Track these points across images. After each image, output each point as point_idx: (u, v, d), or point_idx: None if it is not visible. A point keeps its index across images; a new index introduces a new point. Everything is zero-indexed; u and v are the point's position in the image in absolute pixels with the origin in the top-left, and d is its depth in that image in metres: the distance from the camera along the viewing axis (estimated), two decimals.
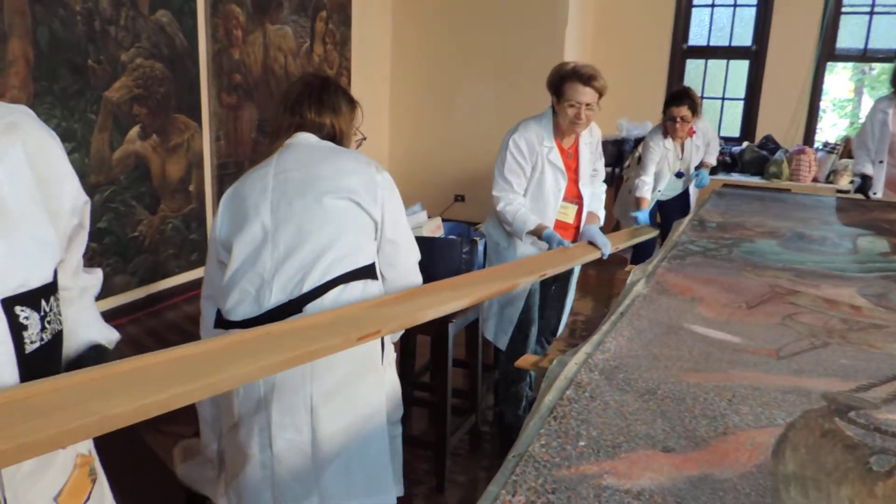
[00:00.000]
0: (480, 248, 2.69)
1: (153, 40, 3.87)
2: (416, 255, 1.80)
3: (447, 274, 2.17)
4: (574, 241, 2.81)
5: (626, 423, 1.09)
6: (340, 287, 1.59)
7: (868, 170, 4.07)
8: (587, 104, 2.60)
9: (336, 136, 1.78)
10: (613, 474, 0.96)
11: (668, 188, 4.37)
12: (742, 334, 1.55)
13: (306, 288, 1.56)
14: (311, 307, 1.55)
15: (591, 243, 2.75)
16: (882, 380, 1.31)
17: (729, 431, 1.09)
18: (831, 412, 1.16)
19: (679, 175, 4.33)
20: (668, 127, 4.12)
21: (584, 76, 2.59)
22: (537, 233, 2.65)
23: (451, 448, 2.49)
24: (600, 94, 2.65)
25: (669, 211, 4.35)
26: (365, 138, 1.92)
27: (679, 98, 4.04)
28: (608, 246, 2.75)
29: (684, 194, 4.44)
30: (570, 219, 2.78)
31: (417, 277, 1.79)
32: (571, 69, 2.62)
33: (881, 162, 4.06)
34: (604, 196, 2.99)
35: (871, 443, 1.06)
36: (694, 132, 4.14)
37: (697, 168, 4.35)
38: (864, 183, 4.04)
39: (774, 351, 1.45)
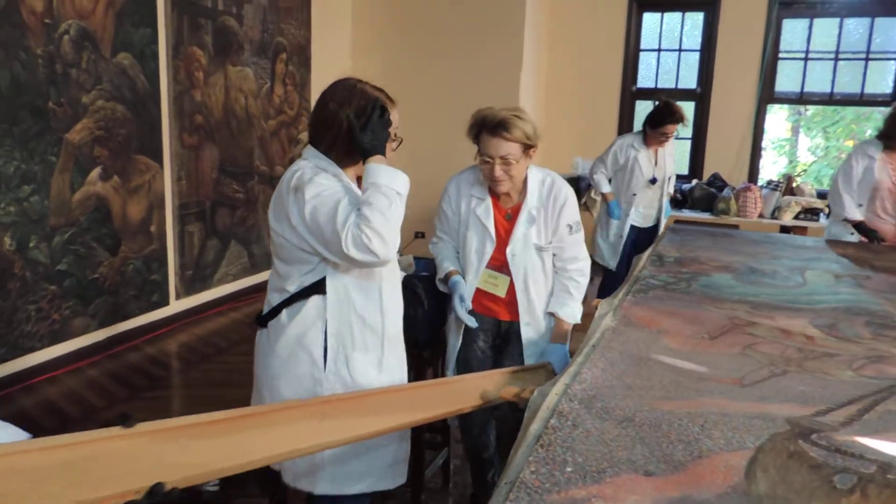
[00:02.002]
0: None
1: (115, 83, 3.88)
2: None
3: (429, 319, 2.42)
4: (506, 320, 2.40)
5: (608, 450, 1.15)
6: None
7: (858, 215, 3.88)
8: (502, 157, 2.17)
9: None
10: (601, 498, 1.01)
11: (646, 205, 4.63)
12: (707, 364, 1.63)
13: None
14: None
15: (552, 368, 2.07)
16: (838, 404, 1.41)
17: (703, 455, 1.16)
18: (795, 435, 1.24)
19: (653, 181, 4.55)
20: (652, 139, 4.46)
21: (491, 125, 2.16)
22: (446, 280, 2.37)
23: (426, 483, 2.51)
24: (524, 145, 2.18)
25: (643, 245, 4.54)
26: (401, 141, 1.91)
27: (676, 116, 4.40)
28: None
29: (654, 228, 4.66)
30: (501, 292, 2.35)
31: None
32: (480, 117, 2.20)
33: (860, 206, 3.91)
34: (581, 293, 2.38)
35: (833, 463, 1.14)
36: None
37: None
38: (861, 228, 3.85)
39: (738, 379, 1.54)
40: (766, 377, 1.56)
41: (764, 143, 6.70)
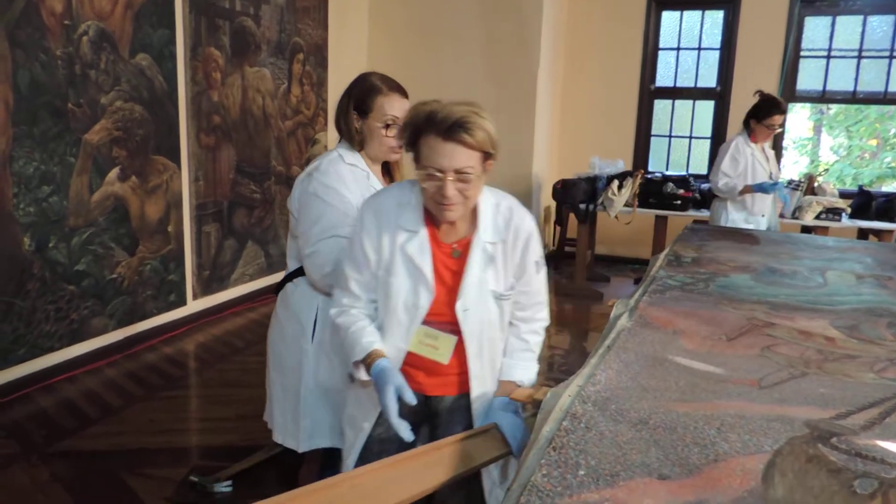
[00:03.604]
0: None
1: (133, 83, 3.91)
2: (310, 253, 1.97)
3: None
4: (436, 395, 1.76)
5: (621, 453, 1.13)
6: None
7: None
8: (458, 171, 1.53)
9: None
10: (614, 502, 1.00)
11: (766, 207, 4.43)
12: (724, 365, 1.60)
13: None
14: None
15: (499, 430, 1.63)
16: (859, 407, 1.37)
17: (720, 458, 1.13)
18: (814, 439, 1.21)
19: (770, 177, 4.40)
20: (760, 133, 4.28)
21: (443, 125, 1.52)
22: (367, 363, 1.67)
23: None
24: (485, 154, 1.58)
25: None
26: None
27: (782, 107, 4.19)
28: (525, 436, 1.61)
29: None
30: (443, 357, 1.69)
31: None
32: (423, 114, 1.55)
33: None
34: (538, 347, 1.83)
35: (853, 467, 1.11)
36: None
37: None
38: None
39: (756, 381, 1.51)
40: (784, 379, 1.53)
41: (785, 143, 6.61)
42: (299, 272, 2.11)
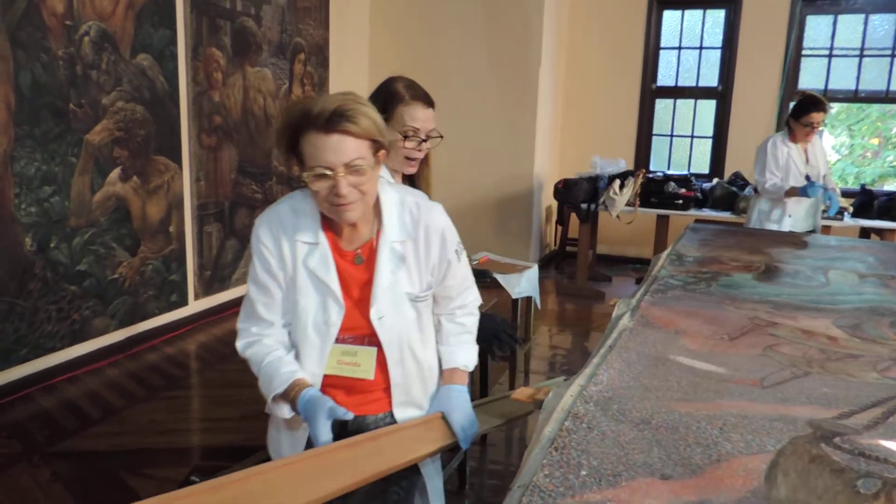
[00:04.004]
0: None
1: (134, 83, 3.91)
2: None
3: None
4: (359, 415, 1.57)
5: (624, 453, 1.13)
6: None
7: None
8: (348, 165, 1.41)
9: None
10: (616, 502, 0.99)
11: (803, 208, 4.34)
12: (726, 365, 1.60)
13: None
14: None
15: (445, 419, 1.58)
16: (862, 407, 1.37)
17: (722, 458, 1.13)
18: (817, 438, 1.20)
19: (807, 179, 4.28)
20: (799, 133, 4.20)
21: (322, 118, 1.39)
22: (289, 398, 1.51)
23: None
24: (375, 143, 1.47)
25: None
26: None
27: (821, 104, 4.09)
28: (473, 426, 1.59)
29: (811, 233, 4.34)
30: (368, 373, 1.56)
31: None
32: (299, 111, 1.42)
33: None
34: (474, 328, 1.75)
35: (856, 467, 1.11)
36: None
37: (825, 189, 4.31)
38: None
39: (758, 380, 1.51)
40: (787, 379, 1.53)
41: None
42: None
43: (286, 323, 1.59)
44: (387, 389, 1.59)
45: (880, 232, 5.44)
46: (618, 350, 1.63)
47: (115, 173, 3.86)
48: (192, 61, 4.34)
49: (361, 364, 1.56)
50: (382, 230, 1.54)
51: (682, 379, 1.48)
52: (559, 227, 6.85)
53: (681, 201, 5.77)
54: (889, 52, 6.17)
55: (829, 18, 6.28)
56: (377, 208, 1.55)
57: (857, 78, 6.28)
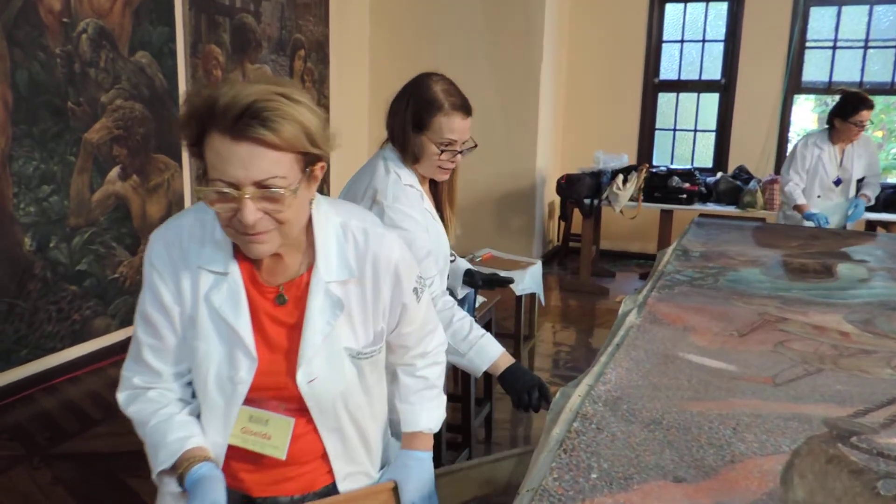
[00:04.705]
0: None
1: (133, 81, 3.88)
2: None
3: None
4: (268, 497, 1.28)
5: (635, 454, 1.10)
6: None
7: None
8: (259, 184, 1.05)
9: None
10: None
11: (828, 209, 4.22)
12: (737, 362, 1.56)
13: None
14: None
15: (396, 493, 1.30)
16: (878, 404, 1.33)
17: (736, 459, 1.10)
18: (834, 438, 1.17)
19: (837, 182, 4.20)
20: (844, 132, 4.05)
21: (228, 117, 1.02)
22: (178, 474, 1.19)
23: None
24: (303, 156, 1.09)
25: None
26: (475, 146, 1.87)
27: (871, 101, 3.98)
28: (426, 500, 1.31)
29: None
30: (280, 451, 1.20)
31: None
32: (203, 101, 1.04)
33: None
34: (441, 379, 1.46)
35: (875, 467, 1.08)
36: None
37: (857, 194, 4.23)
38: None
39: (770, 378, 1.47)
40: (799, 376, 1.49)
41: (792, 135, 6.56)
42: None
43: (181, 372, 1.24)
44: (307, 465, 1.26)
45: (886, 224, 5.40)
46: (625, 348, 1.59)
47: (115, 172, 3.82)
48: (192, 58, 4.30)
49: (273, 437, 1.20)
50: (316, 267, 1.18)
51: (693, 377, 1.45)
52: (562, 223, 6.82)
53: (685, 196, 5.74)
54: (894, 44, 6.12)
55: (833, 9, 6.22)
56: (310, 235, 1.19)
57: (862, 70, 6.23)
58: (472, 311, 2.63)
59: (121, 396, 1.26)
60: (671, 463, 1.08)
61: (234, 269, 1.18)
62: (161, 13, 4.01)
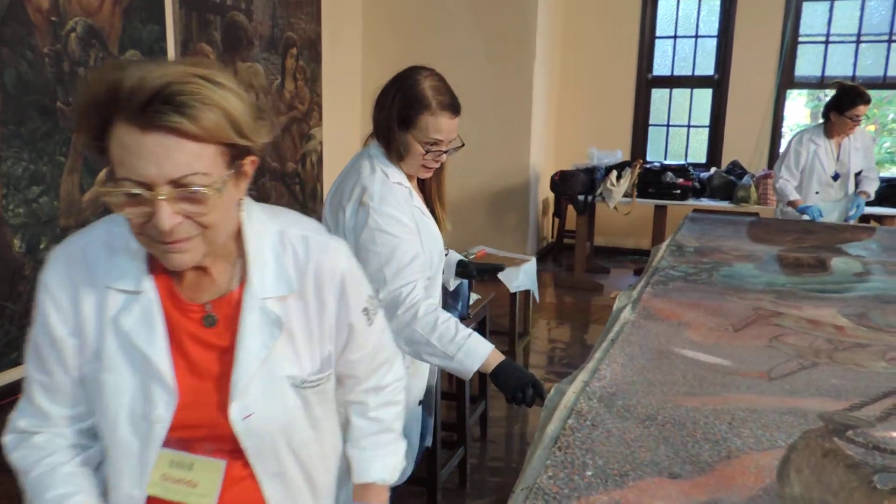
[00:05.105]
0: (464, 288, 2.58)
1: None
2: None
3: None
4: None
5: (630, 451, 1.09)
6: None
7: None
8: (175, 182, 0.89)
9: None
10: (624, 503, 0.95)
11: (827, 209, 4.15)
12: (732, 357, 1.56)
13: None
14: None
15: None
16: (873, 398, 1.33)
17: (732, 455, 1.09)
18: (829, 432, 1.16)
19: (836, 177, 4.14)
20: (839, 126, 3.99)
21: (135, 104, 0.86)
22: None
23: (441, 483, 2.45)
24: (229, 148, 0.93)
25: None
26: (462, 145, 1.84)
27: (868, 95, 3.93)
28: None
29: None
30: (209, 497, 1.03)
31: None
32: (107, 85, 0.87)
33: None
34: (399, 421, 1.27)
35: (871, 461, 1.07)
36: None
37: (856, 192, 4.17)
38: None
39: (765, 372, 1.46)
40: (795, 370, 1.49)
41: (785, 130, 6.57)
42: None
43: (78, 416, 1.06)
44: None
45: (880, 218, 5.40)
46: (620, 344, 1.59)
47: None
48: (182, 57, 4.27)
49: (199, 484, 1.02)
50: (249, 281, 1.01)
51: (688, 372, 1.44)
52: (556, 220, 6.81)
53: (678, 191, 5.73)
54: (886, 38, 6.13)
55: (825, 4, 6.22)
56: (240, 244, 1.03)
57: (854, 64, 6.24)
58: (465, 307, 2.62)
59: (5, 440, 1.09)
60: (666, 459, 1.07)
61: (149, 286, 0.99)
62: (151, 11, 3.98)
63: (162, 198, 0.87)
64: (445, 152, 1.77)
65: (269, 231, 1.04)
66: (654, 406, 1.25)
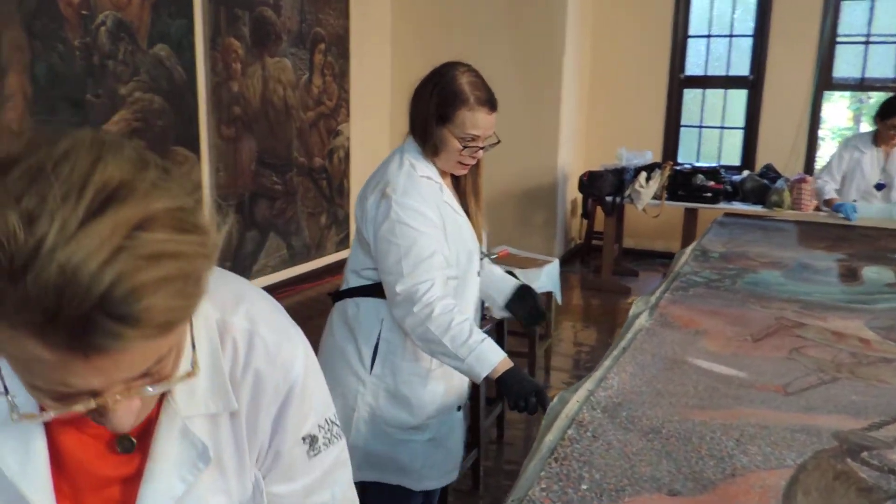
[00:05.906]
0: None
1: (152, 74, 3.88)
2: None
3: None
4: None
5: (629, 465, 1.05)
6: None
7: None
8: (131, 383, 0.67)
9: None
10: None
11: (870, 213, 4.01)
12: (748, 369, 1.50)
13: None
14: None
15: None
16: (894, 417, 1.27)
17: (737, 473, 1.05)
18: (843, 452, 1.11)
19: (879, 187, 4.06)
20: (884, 135, 3.92)
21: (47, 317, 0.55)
22: None
23: (454, 485, 2.43)
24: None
25: None
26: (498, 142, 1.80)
27: None
28: None
29: None
30: None
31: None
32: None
33: None
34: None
35: (886, 486, 1.02)
36: None
37: None
38: None
39: (782, 386, 1.41)
40: (813, 385, 1.43)
41: (823, 133, 6.40)
42: (359, 291, 1.82)
43: None
44: None
45: None
46: (631, 352, 1.54)
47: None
48: (211, 51, 4.30)
49: None
50: (171, 393, 0.74)
51: (700, 383, 1.39)
52: (584, 221, 6.73)
53: (710, 194, 5.62)
54: None
55: (866, 3, 6.04)
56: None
57: None
58: (481, 307, 2.58)
59: None
60: (667, 475, 1.03)
61: (30, 403, 0.68)
62: (180, 6, 4.01)
63: (117, 399, 0.62)
64: (482, 148, 1.75)
65: (208, 318, 0.76)
66: (660, 418, 1.21)
